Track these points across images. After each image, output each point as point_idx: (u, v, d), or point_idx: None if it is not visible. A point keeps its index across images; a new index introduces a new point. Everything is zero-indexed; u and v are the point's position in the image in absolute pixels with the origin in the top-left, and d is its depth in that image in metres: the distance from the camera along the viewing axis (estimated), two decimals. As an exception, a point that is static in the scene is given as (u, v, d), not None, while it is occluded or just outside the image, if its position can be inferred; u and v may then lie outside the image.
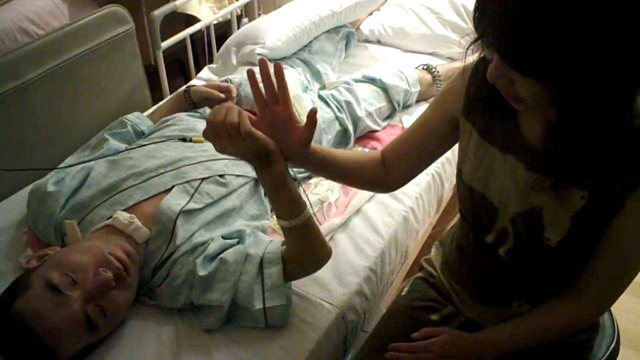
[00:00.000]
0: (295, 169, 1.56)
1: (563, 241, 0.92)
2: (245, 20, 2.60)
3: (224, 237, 1.24)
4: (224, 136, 0.96)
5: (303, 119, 1.58)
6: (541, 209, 0.92)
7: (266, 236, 1.26)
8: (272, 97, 1.00)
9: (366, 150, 1.70)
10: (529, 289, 1.04)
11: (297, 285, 1.25)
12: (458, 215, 1.14)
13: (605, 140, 0.80)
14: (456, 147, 1.82)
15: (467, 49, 0.86)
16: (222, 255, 1.16)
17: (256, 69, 1.01)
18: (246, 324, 1.16)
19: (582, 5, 0.66)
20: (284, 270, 1.14)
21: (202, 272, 1.14)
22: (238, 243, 1.24)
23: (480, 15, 0.74)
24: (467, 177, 1.02)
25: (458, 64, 2.02)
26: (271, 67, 0.99)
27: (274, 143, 1.00)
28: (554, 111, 0.82)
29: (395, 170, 1.13)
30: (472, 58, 0.90)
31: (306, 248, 1.12)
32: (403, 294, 1.26)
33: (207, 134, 0.98)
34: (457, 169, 1.06)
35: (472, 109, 0.98)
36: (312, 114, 0.99)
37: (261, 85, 1.00)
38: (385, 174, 1.13)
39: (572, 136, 0.81)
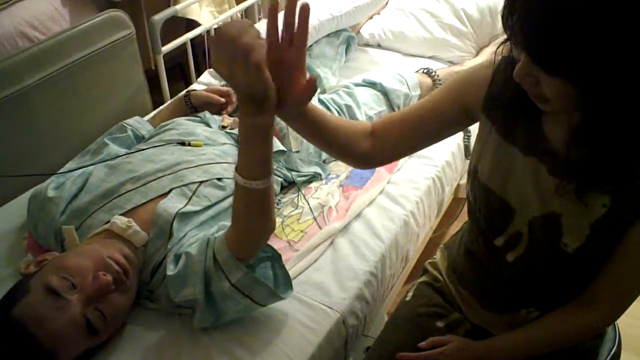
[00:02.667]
0: (294, 172, 1.56)
1: (580, 248, 0.91)
2: (245, 24, 2.60)
3: None
4: (227, 55, 0.82)
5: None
6: (560, 215, 0.91)
7: None
8: (288, 37, 0.86)
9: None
10: (538, 296, 1.03)
11: (298, 289, 1.24)
12: (461, 219, 1.13)
13: (629, 146, 0.79)
14: (456, 150, 1.83)
15: (497, 49, 0.85)
16: (187, 249, 1.14)
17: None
18: (235, 312, 1.14)
19: (611, 4, 0.66)
20: (227, 242, 1.08)
21: (170, 272, 1.12)
22: None
23: (509, 14, 0.74)
24: (484, 176, 1.00)
25: (458, 68, 2.03)
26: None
27: (274, 91, 0.87)
28: (578, 115, 0.81)
29: (384, 145, 1.06)
30: (476, 61, 0.90)
31: (249, 215, 1.04)
32: (407, 299, 1.25)
33: (212, 44, 0.84)
34: (471, 166, 1.03)
35: (494, 108, 0.96)
36: (313, 80, 0.88)
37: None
38: (371, 147, 1.05)
39: (596, 141, 0.80)
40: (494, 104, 0.96)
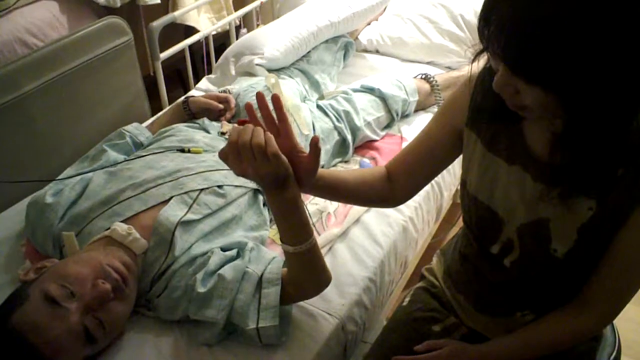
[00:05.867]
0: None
1: (570, 252, 0.91)
2: (243, 30, 2.61)
3: (223, 249, 1.23)
4: (247, 157, 0.92)
5: (302, 129, 1.60)
6: (548, 220, 0.91)
7: (269, 252, 1.25)
8: (273, 130, 0.98)
9: (365, 159, 1.70)
10: (533, 300, 1.04)
11: (297, 295, 1.24)
12: (459, 225, 1.14)
13: (611, 150, 0.80)
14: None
15: (473, 60, 0.86)
16: (220, 272, 1.15)
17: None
18: (243, 341, 1.16)
19: (588, 13, 0.67)
20: (283, 292, 1.13)
21: (201, 289, 1.13)
22: (238, 255, 1.23)
23: (485, 24, 0.74)
24: (472, 188, 1.02)
25: (456, 73, 2.03)
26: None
27: (291, 169, 0.98)
28: (560, 121, 0.81)
29: (401, 185, 1.13)
30: (477, 66, 0.90)
31: (308, 273, 1.11)
32: (404, 304, 1.25)
33: (226, 155, 0.94)
34: (461, 180, 1.06)
35: (477, 120, 0.98)
36: (314, 143, 0.96)
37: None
38: (392, 189, 1.13)
39: (578, 146, 0.80)
40: (476, 116, 0.98)
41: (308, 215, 1.42)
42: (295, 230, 1.04)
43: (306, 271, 1.11)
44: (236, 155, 0.93)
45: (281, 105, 0.97)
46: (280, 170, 0.94)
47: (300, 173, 0.99)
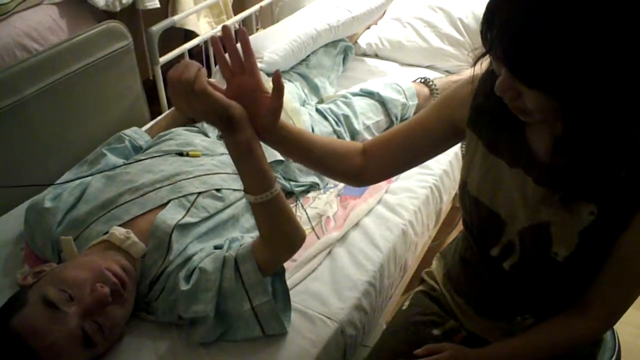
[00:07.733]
0: (292, 182, 1.56)
1: (571, 256, 0.91)
2: (243, 35, 2.61)
3: (216, 248, 1.23)
4: (180, 93, 0.90)
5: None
6: (549, 224, 0.91)
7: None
8: (238, 66, 0.95)
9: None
10: (533, 303, 1.04)
11: (296, 300, 1.24)
12: (459, 228, 1.13)
13: (612, 154, 0.80)
14: (454, 160, 1.83)
15: (475, 63, 0.86)
16: (200, 265, 1.15)
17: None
18: (242, 335, 1.15)
19: (589, 19, 0.67)
20: (257, 261, 1.11)
21: (184, 287, 1.13)
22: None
23: (488, 28, 0.74)
24: (473, 189, 1.01)
25: (456, 77, 2.04)
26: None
27: (240, 109, 0.94)
28: (561, 125, 0.81)
29: (377, 165, 1.09)
30: (479, 68, 0.90)
31: (275, 229, 1.07)
32: (404, 308, 1.25)
33: (169, 92, 0.93)
34: (461, 180, 1.05)
35: (479, 121, 0.98)
36: (276, 77, 0.92)
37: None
38: (364, 166, 1.09)
39: (579, 150, 0.80)
40: (478, 117, 0.98)
41: (306, 215, 1.44)
42: (254, 177, 1.00)
43: (273, 225, 1.07)
44: (172, 91, 0.91)
45: (247, 40, 0.94)
46: (218, 109, 0.91)
47: (264, 114, 0.95)
